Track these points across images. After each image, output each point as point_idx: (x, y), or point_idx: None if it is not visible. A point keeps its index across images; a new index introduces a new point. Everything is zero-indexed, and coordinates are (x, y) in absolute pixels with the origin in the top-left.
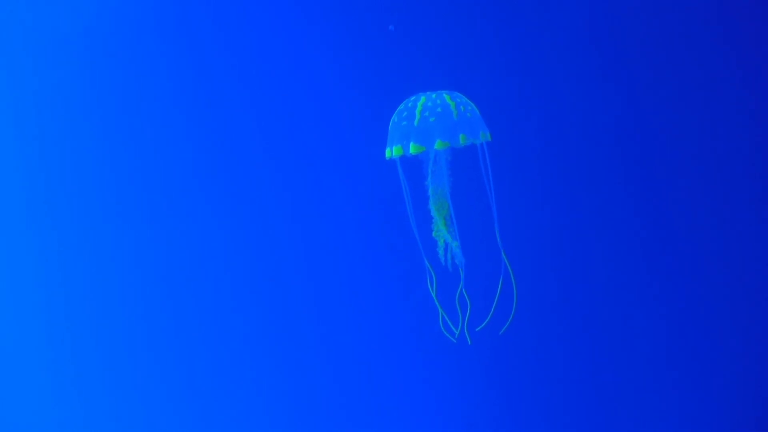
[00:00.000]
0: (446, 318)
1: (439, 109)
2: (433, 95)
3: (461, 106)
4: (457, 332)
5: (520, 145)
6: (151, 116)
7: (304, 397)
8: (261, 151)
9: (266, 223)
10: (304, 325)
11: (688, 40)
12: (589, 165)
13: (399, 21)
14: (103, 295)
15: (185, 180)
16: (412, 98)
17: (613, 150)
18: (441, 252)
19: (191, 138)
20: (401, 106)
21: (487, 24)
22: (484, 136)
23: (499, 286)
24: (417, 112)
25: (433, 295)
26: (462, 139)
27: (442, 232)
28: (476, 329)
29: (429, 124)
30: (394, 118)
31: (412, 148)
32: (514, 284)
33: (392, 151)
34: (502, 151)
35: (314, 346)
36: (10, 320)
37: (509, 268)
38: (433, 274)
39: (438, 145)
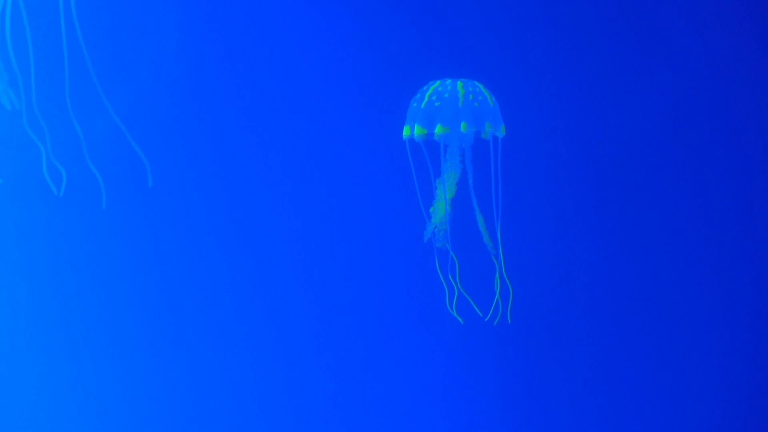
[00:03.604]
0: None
1: (447, 95)
2: (448, 81)
3: (470, 95)
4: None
5: (546, 146)
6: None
7: (307, 395)
8: (292, 143)
9: (287, 214)
10: (305, 320)
11: (705, 41)
12: (602, 175)
13: (441, 11)
14: (103, 294)
15: (196, 178)
16: (431, 82)
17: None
18: (429, 232)
19: (203, 129)
20: (419, 90)
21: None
22: (491, 127)
23: (502, 283)
24: (427, 95)
25: (457, 279)
26: (463, 127)
27: (438, 215)
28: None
29: (434, 108)
30: (412, 100)
31: (417, 130)
32: (507, 280)
33: (404, 132)
34: (522, 149)
35: (318, 341)
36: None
37: (502, 262)
38: (455, 259)
39: (438, 129)
